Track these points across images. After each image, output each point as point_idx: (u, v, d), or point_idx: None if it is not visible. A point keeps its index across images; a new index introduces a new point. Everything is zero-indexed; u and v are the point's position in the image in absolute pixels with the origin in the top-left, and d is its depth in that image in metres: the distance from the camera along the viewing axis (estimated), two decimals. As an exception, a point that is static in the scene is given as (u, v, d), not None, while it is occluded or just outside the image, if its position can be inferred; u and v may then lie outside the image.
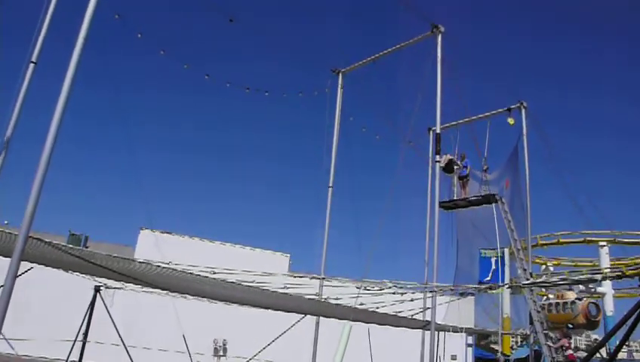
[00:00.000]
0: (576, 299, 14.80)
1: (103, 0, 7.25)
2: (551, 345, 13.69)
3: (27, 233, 6.22)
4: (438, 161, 15.00)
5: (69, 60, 6.85)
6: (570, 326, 17.10)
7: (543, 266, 30.89)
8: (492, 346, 33.60)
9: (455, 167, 18.34)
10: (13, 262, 6.11)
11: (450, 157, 15.97)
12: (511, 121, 18.44)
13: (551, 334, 14.48)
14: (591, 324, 14.78)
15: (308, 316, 14.66)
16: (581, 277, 8.19)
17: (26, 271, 8.14)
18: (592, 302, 14.80)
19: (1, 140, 10.01)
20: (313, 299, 11.86)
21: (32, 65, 10.26)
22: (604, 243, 29.07)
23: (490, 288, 13.01)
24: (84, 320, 13.67)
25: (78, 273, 11.60)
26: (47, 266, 10.43)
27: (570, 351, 14.00)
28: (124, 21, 8.78)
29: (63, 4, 10.62)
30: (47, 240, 8.07)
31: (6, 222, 21.07)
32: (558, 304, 16.91)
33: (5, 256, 7.37)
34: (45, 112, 6.70)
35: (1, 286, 6.25)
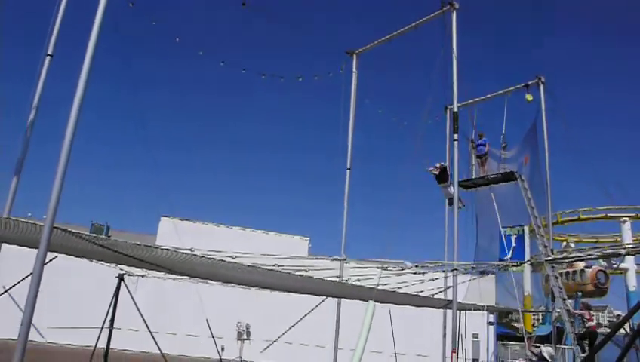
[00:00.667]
0: (585, 267, 14.77)
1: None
2: (573, 320, 13.63)
3: (52, 223, 6.33)
4: (433, 170, 15.20)
5: (85, 51, 6.88)
6: (580, 293, 17.02)
7: (564, 243, 30.61)
8: (513, 324, 33.59)
9: (473, 149, 18.20)
10: (41, 252, 6.23)
11: (444, 166, 15.43)
12: (529, 96, 18.17)
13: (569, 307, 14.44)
14: (599, 291, 14.84)
15: (329, 298, 14.75)
16: (604, 252, 8.10)
17: (51, 260, 8.31)
18: (601, 270, 14.74)
19: (22, 136, 10.15)
20: (334, 281, 11.90)
21: (48, 57, 10.36)
22: (626, 218, 28.68)
23: (513, 265, 12.92)
24: (109, 307, 13.90)
25: (102, 262, 11.81)
26: (72, 256, 10.64)
27: (591, 323, 13.91)
28: (138, 9, 8.78)
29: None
30: (71, 230, 8.21)
31: (29, 214, 21.45)
32: (567, 273, 16.82)
33: (32, 247, 7.52)
34: (65, 105, 6.76)
35: (30, 274, 6.40)
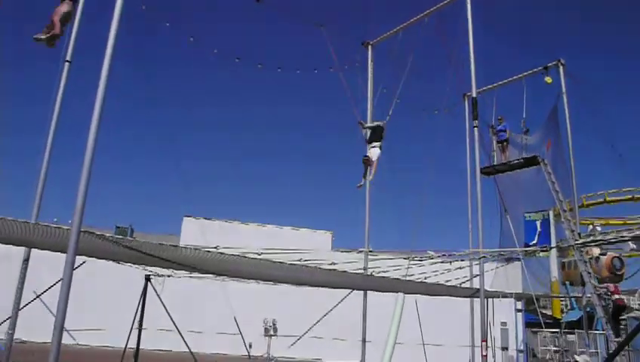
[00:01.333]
0: (600, 254, 14.57)
1: None
2: (605, 303, 13.39)
3: (79, 227, 6.38)
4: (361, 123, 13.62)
5: (103, 57, 6.92)
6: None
7: (590, 226, 30.09)
8: (541, 310, 33.19)
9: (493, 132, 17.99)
10: (69, 256, 6.29)
11: (380, 125, 13.23)
12: (548, 79, 17.84)
13: (593, 281, 14.21)
14: (616, 277, 14.61)
15: (355, 291, 14.72)
16: (636, 233, 7.92)
17: (80, 265, 8.41)
18: (616, 256, 14.51)
19: (43, 141, 10.28)
20: (359, 274, 11.87)
21: (67, 64, 10.47)
22: (655, 198, 28.14)
23: (541, 250, 12.74)
24: (137, 308, 14.08)
25: (128, 263, 11.94)
26: (99, 258, 10.77)
27: (617, 296, 13.62)
28: (152, 12, 8.82)
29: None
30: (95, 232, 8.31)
31: (55, 219, 21.80)
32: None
33: (60, 251, 7.61)
34: (85, 109, 6.81)
35: (60, 279, 6.48)
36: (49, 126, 10.31)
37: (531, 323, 27.75)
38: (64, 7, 9.10)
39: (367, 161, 12.33)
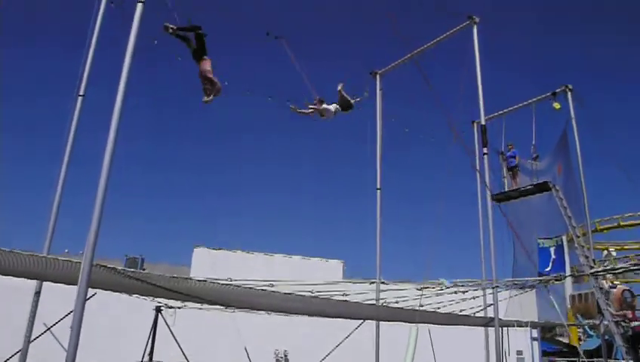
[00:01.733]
0: (610, 287, 14.38)
1: (143, 30, 7.40)
2: (623, 331, 13.10)
3: (91, 262, 6.40)
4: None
5: (116, 91, 7.02)
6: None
7: (605, 252, 29.69)
8: (558, 338, 32.56)
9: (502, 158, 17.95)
10: (81, 291, 6.29)
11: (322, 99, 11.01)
12: (556, 105, 17.85)
13: (610, 309, 13.91)
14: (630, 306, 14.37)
15: (367, 321, 14.55)
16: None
17: (91, 296, 8.40)
18: (626, 289, 14.27)
19: (56, 172, 10.39)
20: (371, 304, 11.75)
21: (80, 98, 10.65)
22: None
23: (555, 279, 12.55)
24: (148, 340, 13.99)
25: (138, 295, 11.92)
26: (110, 291, 10.76)
27: (636, 323, 13.32)
28: (164, 46, 8.98)
29: (105, 34, 10.98)
30: (107, 265, 8.33)
31: (66, 250, 21.88)
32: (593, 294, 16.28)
33: (69, 284, 7.61)
34: (100, 138, 6.88)
35: (71, 311, 6.47)
36: (62, 158, 10.44)
37: (548, 352, 27.20)
38: (208, 65, 8.78)
39: (319, 103, 10.62)
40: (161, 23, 8.64)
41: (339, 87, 10.99)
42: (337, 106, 10.82)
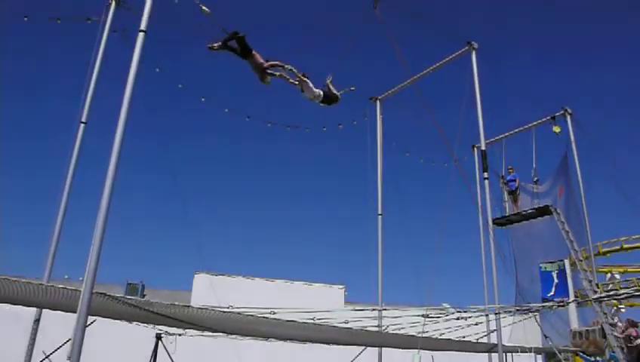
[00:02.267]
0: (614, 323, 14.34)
1: (146, 56, 7.49)
2: (627, 358, 12.98)
3: (91, 292, 6.36)
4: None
5: (118, 117, 7.07)
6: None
7: (609, 275, 29.51)
8: (563, 364, 32.08)
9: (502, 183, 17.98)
10: (81, 319, 6.24)
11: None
12: (556, 128, 17.97)
13: (616, 325, 13.73)
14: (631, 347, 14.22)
15: (369, 347, 14.39)
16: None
17: (91, 323, 8.33)
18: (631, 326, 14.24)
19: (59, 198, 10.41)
20: (374, 331, 11.63)
21: (82, 125, 10.74)
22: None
23: (558, 305, 12.45)
24: (148, 368, 13.83)
25: (138, 322, 11.81)
26: (109, 318, 10.67)
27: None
28: (166, 73, 9.11)
29: (109, 61, 11.12)
30: (106, 291, 8.28)
31: (66, 276, 21.76)
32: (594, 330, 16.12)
33: (68, 311, 7.55)
34: (100, 165, 6.91)
35: (69, 340, 6.42)
36: (64, 185, 10.47)
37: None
38: (259, 58, 9.34)
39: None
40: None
41: (328, 80, 10.69)
42: (321, 93, 10.20)
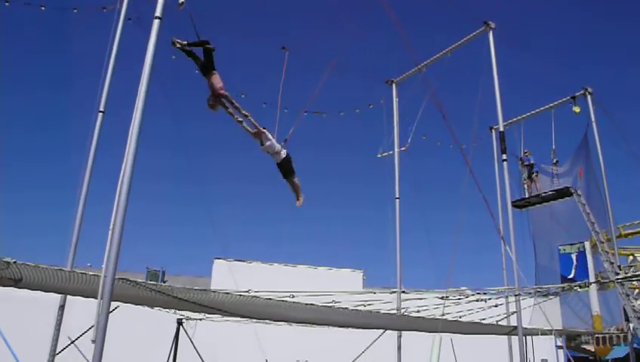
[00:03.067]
0: None
1: (161, 44, 7.51)
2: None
3: (113, 275, 6.46)
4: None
5: (134, 105, 7.11)
6: None
7: (631, 257, 29.15)
8: (583, 346, 31.93)
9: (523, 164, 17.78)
10: (104, 304, 6.35)
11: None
12: (576, 109, 17.63)
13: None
14: None
15: (388, 331, 14.45)
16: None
17: (114, 309, 8.49)
18: None
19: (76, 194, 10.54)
20: (393, 314, 11.66)
21: (100, 114, 10.83)
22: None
23: (579, 286, 12.32)
24: (170, 353, 14.06)
25: (160, 308, 12.00)
26: (131, 304, 10.85)
27: None
28: (181, 60, 9.09)
29: (125, 49, 11.18)
30: (128, 278, 8.42)
31: (89, 264, 22.12)
32: None
33: (94, 298, 7.69)
34: (118, 151, 6.99)
35: (92, 326, 6.55)
36: (83, 173, 10.60)
37: (574, 358, 26.64)
38: (217, 79, 8.53)
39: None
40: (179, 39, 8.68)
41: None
42: (285, 153, 9.13)
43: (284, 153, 9.13)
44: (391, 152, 15.82)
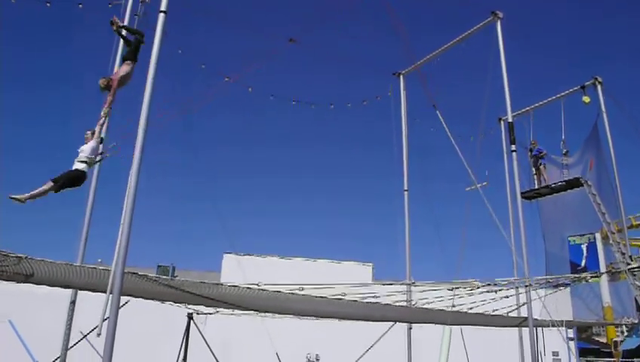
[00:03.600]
0: None
1: (168, 38, 7.51)
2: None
3: (123, 268, 6.49)
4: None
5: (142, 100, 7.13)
6: None
7: (643, 248, 28.90)
8: (594, 338, 31.79)
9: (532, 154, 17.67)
10: (115, 297, 6.39)
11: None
12: (586, 99, 17.46)
13: None
14: None
15: (398, 323, 14.44)
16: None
17: (124, 304, 8.54)
18: None
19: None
20: (403, 306, 11.64)
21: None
22: None
23: (591, 276, 12.24)
24: (181, 347, 14.13)
25: (171, 302, 12.05)
26: (142, 298, 10.91)
27: None
28: (188, 55, 9.11)
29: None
30: (138, 273, 8.47)
31: (99, 260, 22.27)
32: None
33: (104, 292, 7.74)
34: (126, 148, 7.02)
35: (106, 319, 6.59)
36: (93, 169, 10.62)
37: (585, 349, 26.54)
38: (127, 70, 8.54)
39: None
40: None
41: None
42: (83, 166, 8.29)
43: (82, 166, 8.19)
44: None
